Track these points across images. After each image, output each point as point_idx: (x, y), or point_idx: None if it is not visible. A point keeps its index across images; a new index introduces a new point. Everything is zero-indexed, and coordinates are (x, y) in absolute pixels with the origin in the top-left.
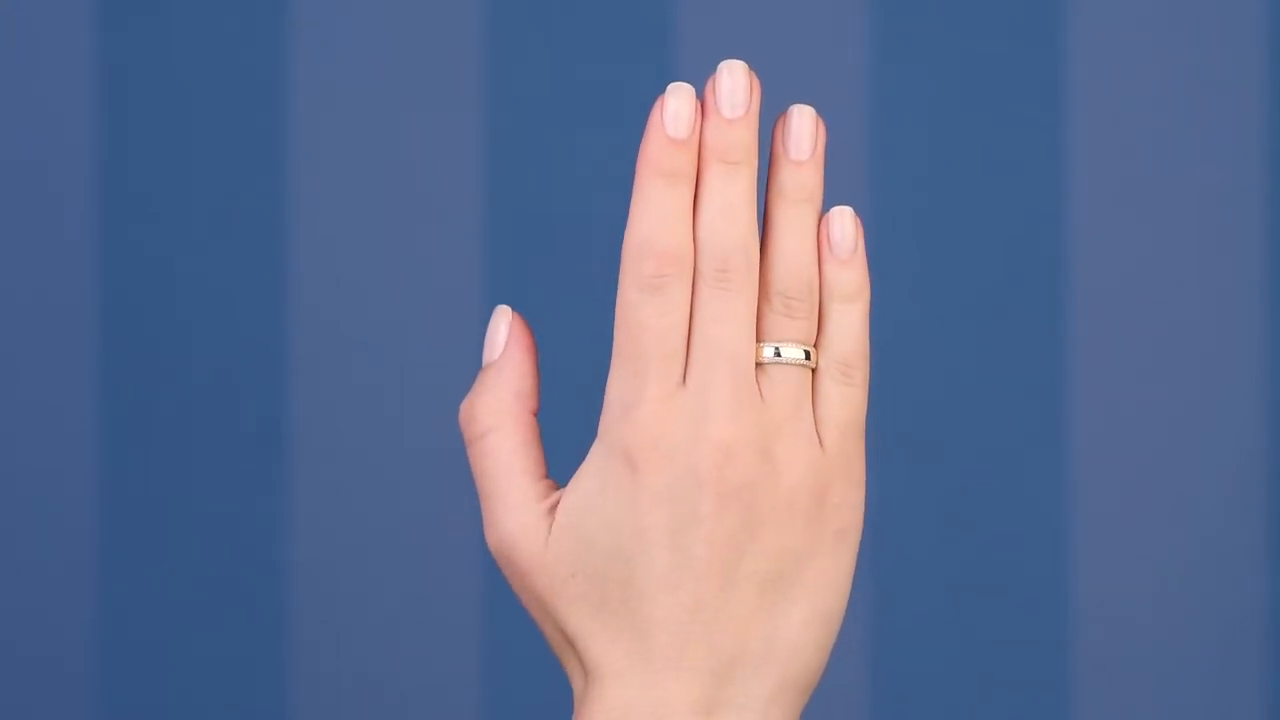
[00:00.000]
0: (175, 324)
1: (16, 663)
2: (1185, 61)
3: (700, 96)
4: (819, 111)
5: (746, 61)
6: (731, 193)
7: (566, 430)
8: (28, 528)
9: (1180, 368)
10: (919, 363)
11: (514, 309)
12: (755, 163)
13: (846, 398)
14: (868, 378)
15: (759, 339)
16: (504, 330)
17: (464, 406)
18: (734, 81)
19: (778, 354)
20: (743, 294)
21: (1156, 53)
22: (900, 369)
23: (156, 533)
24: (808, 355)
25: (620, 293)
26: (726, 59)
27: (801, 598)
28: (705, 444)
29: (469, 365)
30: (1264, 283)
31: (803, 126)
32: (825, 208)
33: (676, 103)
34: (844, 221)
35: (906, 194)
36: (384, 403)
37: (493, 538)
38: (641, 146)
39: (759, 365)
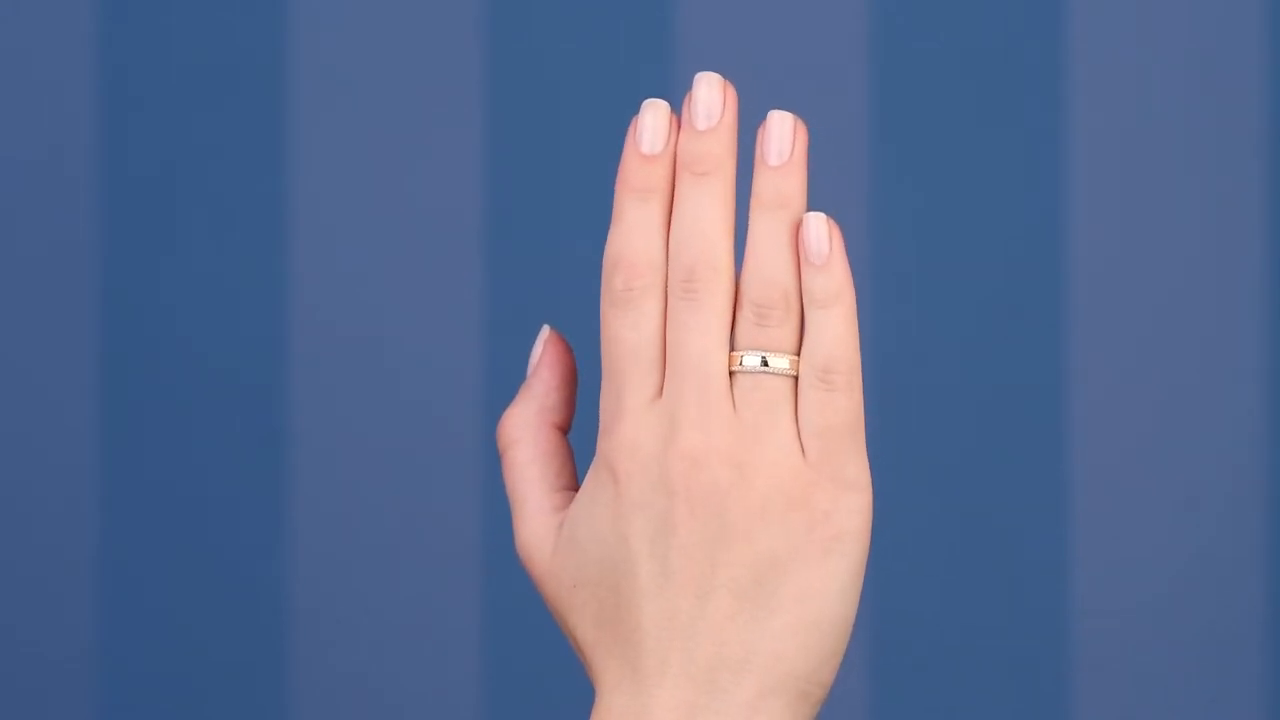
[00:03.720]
0: (176, 324)
1: (17, 663)
2: (1185, 61)
3: (679, 112)
4: (817, 112)
5: (745, 64)
6: (700, 204)
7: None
8: (28, 528)
9: (1180, 368)
10: (918, 362)
11: (548, 325)
12: (729, 173)
13: (827, 403)
14: (856, 382)
15: (733, 348)
16: (539, 349)
17: (499, 421)
18: (707, 93)
19: (754, 363)
20: (711, 304)
21: (1156, 53)
22: (899, 369)
23: (156, 533)
24: (789, 363)
25: (601, 310)
26: (702, 71)
27: (783, 605)
28: (674, 454)
29: (469, 366)
30: (1264, 283)
31: (780, 131)
32: (826, 212)
33: (648, 119)
34: (817, 226)
35: (906, 196)
36: (384, 403)
37: (516, 546)
38: (620, 165)
39: (733, 374)
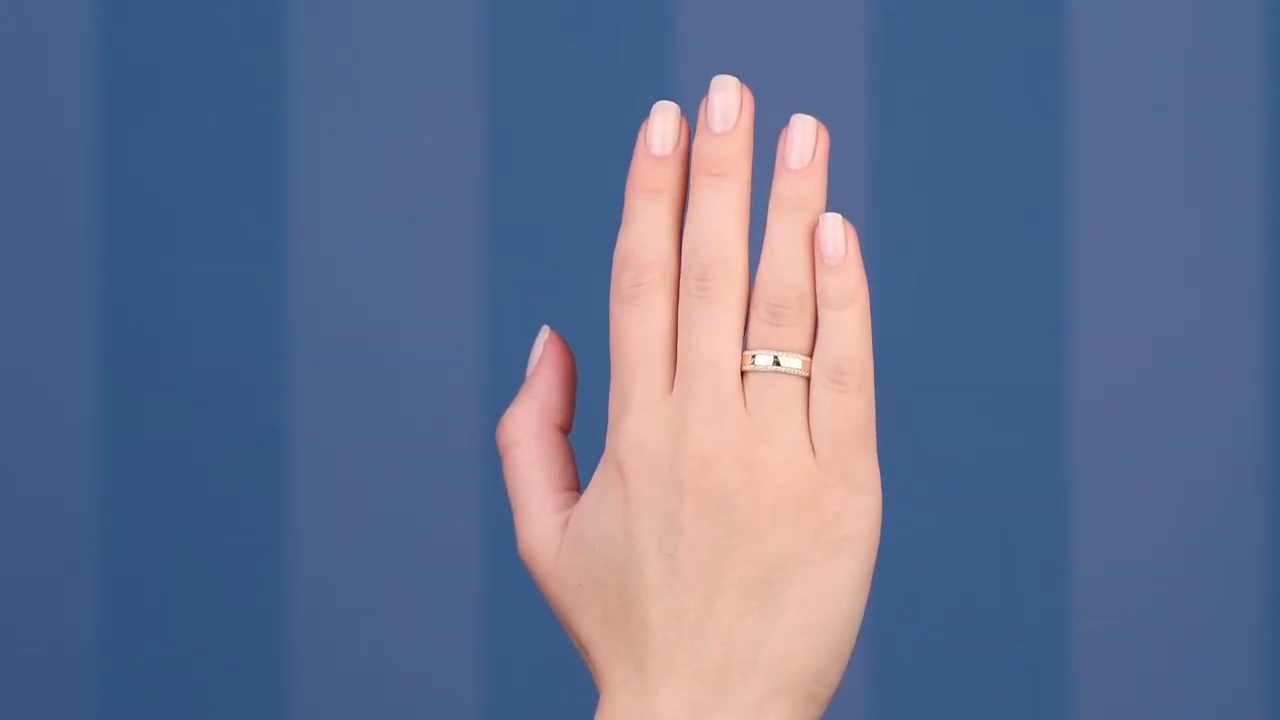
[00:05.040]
0: (176, 324)
1: (17, 662)
2: (1185, 61)
3: (693, 114)
4: (816, 112)
5: (745, 63)
6: (716, 204)
7: (579, 439)
8: (28, 528)
9: (1180, 368)
10: (919, 363)
11: (550, 326)
12: (745, 176)
13: (839, 404)
14: (868, 383)
15: (746, 348)
16: (539, 349)
17: (499, 422)
18: (723, 97)
19: (765, 362)
20: (724, 302)
21: (1157, 53)
22: (899, 369)
23: (156, 532)
24: (801, 364)
25: (610, 307)
26: (719, 74)
27: (792, 606)
28: (684, 453)
29: (469, 366)
30: (1264, 283)
31: (801, 135)
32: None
33: (658, 121)
34: (833, 228)
35: (906, 197)
36: (385, 403)
37: (518, 547)
38: (630, 167)
39: (744, 374)
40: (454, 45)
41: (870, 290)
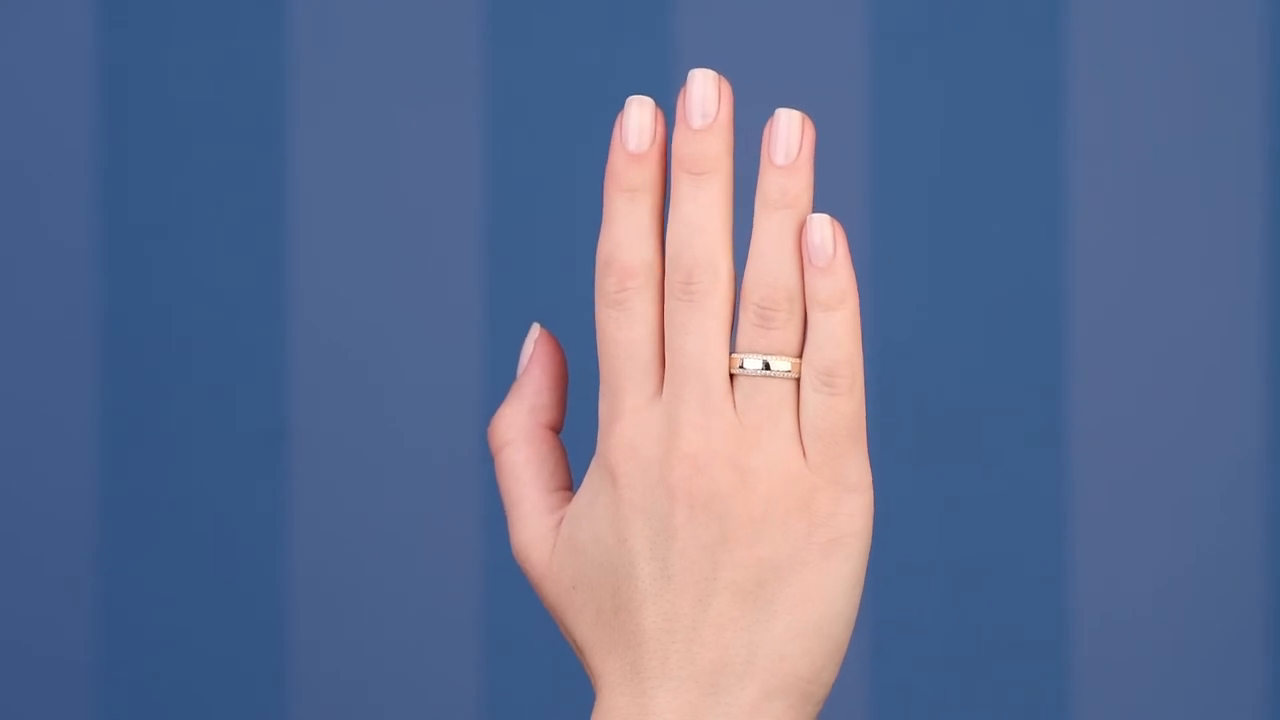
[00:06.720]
0: (175, 324)
1: (16, 663)
2: (1185, 61)
3: (670, 109)
4: (817, 112)
5: (742, 58)
6: (698, 204)
7: (572, 438)
8: (28, 528)
9: (1180, 368)
10: (919, 362)
11: (542, 324)
12: (727, 171)
13: (830, 406)
14: (858, 384)
15: (735, 350)
16: (529, 348)
17: (490, 423)
18: (702, 90)
19: (755, 366)
20: (710, 305)
21: (1156, 53)
22: (900, 368)
23: (156, 533)
24: (791, 366)
25: (595, 311)
26: (696, 67)
27: (785, 608)
28: (675, 457)
29: (469, 366)
30: (1264, 283)
31: (788, 130)
32: (827, 212)
33: (633, 116)
34: (821, 228)
35: (905, 197)
36: (384, 403)
37: (512, 547)
38: (607, 164)
39: (733, 376)
40: (453, 46)
41: (867, 290)
